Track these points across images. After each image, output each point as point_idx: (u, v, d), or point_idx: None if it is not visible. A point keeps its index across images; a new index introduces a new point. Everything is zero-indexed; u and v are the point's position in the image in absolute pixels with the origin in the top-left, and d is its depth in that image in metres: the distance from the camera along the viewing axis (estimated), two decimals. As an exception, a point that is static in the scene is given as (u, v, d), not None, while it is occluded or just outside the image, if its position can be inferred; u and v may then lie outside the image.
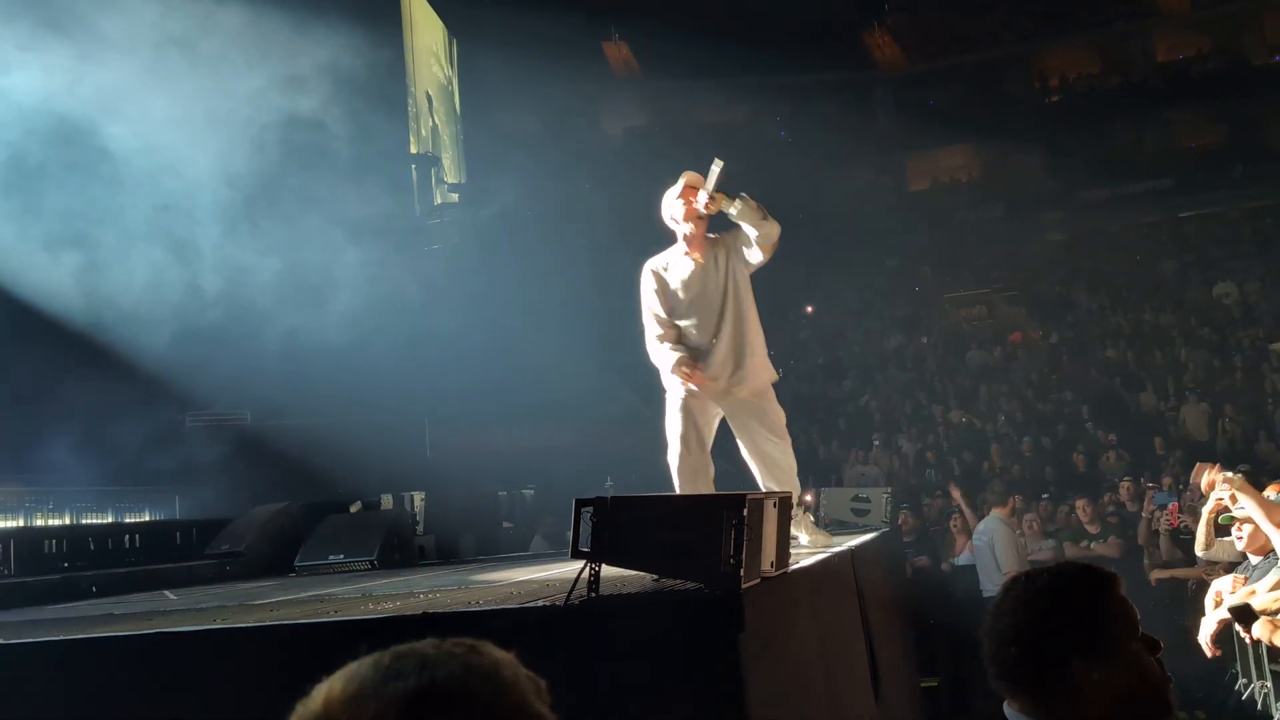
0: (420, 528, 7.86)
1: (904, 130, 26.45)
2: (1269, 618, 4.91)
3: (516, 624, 2.84)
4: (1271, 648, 4.97)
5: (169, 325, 9.63)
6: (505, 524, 10.53)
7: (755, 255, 4.92)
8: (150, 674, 3.01)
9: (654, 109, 27.18)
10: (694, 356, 4.98)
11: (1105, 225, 23.74)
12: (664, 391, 5.13)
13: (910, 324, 21.22)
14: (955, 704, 8.20)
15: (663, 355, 5.03)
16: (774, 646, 3.01)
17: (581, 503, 2.87)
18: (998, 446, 14.09)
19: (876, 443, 14.82)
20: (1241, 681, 5.83)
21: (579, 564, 2.85)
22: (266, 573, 6.86)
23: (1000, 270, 23.12)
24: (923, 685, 7.58)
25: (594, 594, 2.78)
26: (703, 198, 4.87)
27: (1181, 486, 9.60)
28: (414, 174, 18.75)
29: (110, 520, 9.89)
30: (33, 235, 9.04)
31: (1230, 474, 5.17)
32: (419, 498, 8.02)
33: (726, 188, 4.88)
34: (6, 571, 6.08)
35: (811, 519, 5.50)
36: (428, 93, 21.01)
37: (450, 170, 21.74)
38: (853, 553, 4.96)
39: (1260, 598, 5.03)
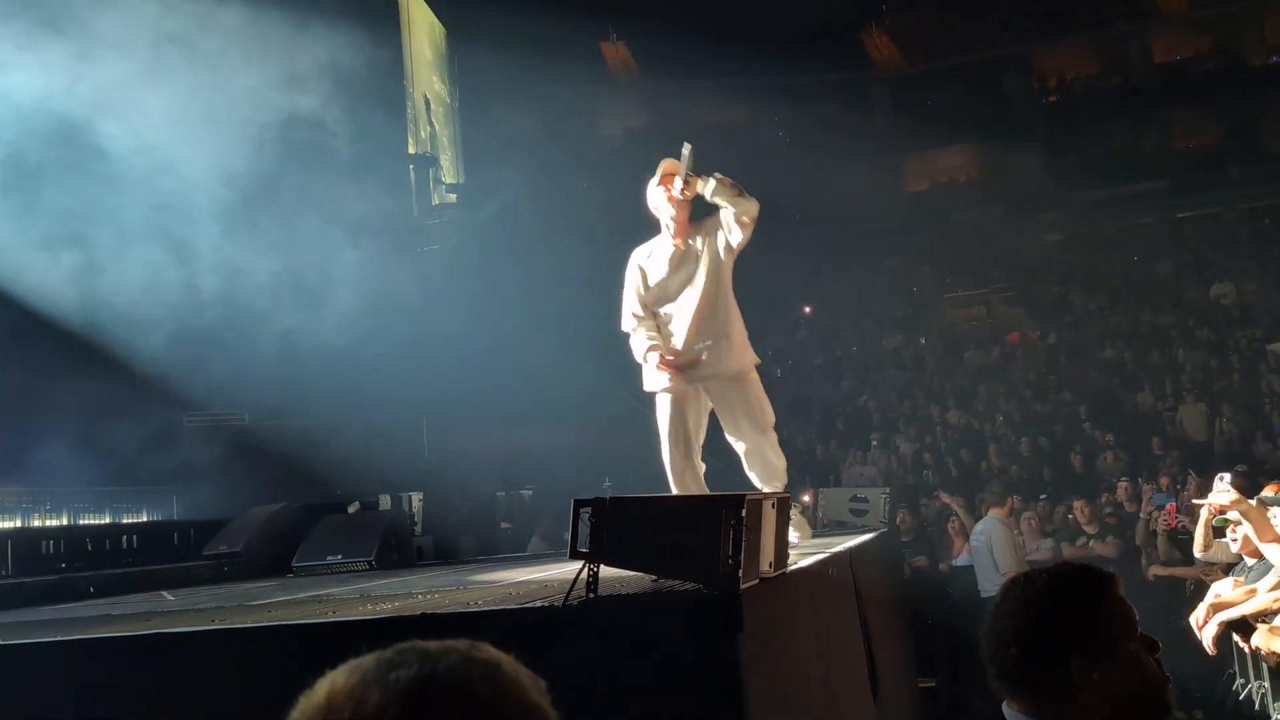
0: (418, 528, 7.85)
1: (902, 130, 26.45)
2: (1270, 626, 4.92)
3: (515, 624, 2.84)
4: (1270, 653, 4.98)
5: (166, 325, 9.62)
6: (503, 524, 10.52)
7: (736, 234, 4.89)
8: (149, 675, 3.01)
9: (652, 109, 27.17)
10: (671, 340, 4.97)
11: (1103, 225, 23.75)
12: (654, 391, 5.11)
13: (908, 324, 21.22)
14: (953, 704, 8.21)
15: (636, 344, 5.04)
16: (772, 647, 3.01)
17: (580, 503, 2.87)
18: (995, 447, 14.10)
19: (875, 443, 14.82)
20: (1239, 682, 5.84)
21: (577, 564, 2.85)
22: (264, 573, 6.85)
23: (998, 270, 23.13)
24: (921, 685, 7.58)
25: (592, 594, 2.78)
26: (678, 184, 4.89)
27: (1179, 487, 9.61)
28: (412, 174, 18.75)
29: (108, 521, 9.88)
30: (30, 235, 9.03)
31: (1231, 496, 5.15)
32: (417, 498, 8.00)
33: (709, 171, 4.91)
34: (4, 572, 6.07)
35: (798, 509, 5.47)
36: (425, 94, 21.01)
37: (448, 171, 21.74)
38: (851, 553, 4.96)
39: (1260, 598, 5.04)
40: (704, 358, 4.93)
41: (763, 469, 5.12)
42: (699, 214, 5.07)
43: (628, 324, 5.11)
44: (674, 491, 5.00)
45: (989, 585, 8.23)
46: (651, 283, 5.03)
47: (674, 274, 4.97)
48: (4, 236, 8.94)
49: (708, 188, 4.83)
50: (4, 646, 3.20)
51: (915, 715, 6.87)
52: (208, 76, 9.84)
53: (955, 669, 8.24)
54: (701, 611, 2.69)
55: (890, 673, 5.33)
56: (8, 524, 8.80)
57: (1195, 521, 6.74)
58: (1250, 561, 5.36)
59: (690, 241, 4.98)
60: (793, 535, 5.10)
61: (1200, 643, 5.28)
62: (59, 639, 3.27)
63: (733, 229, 4.86)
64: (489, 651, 0.94)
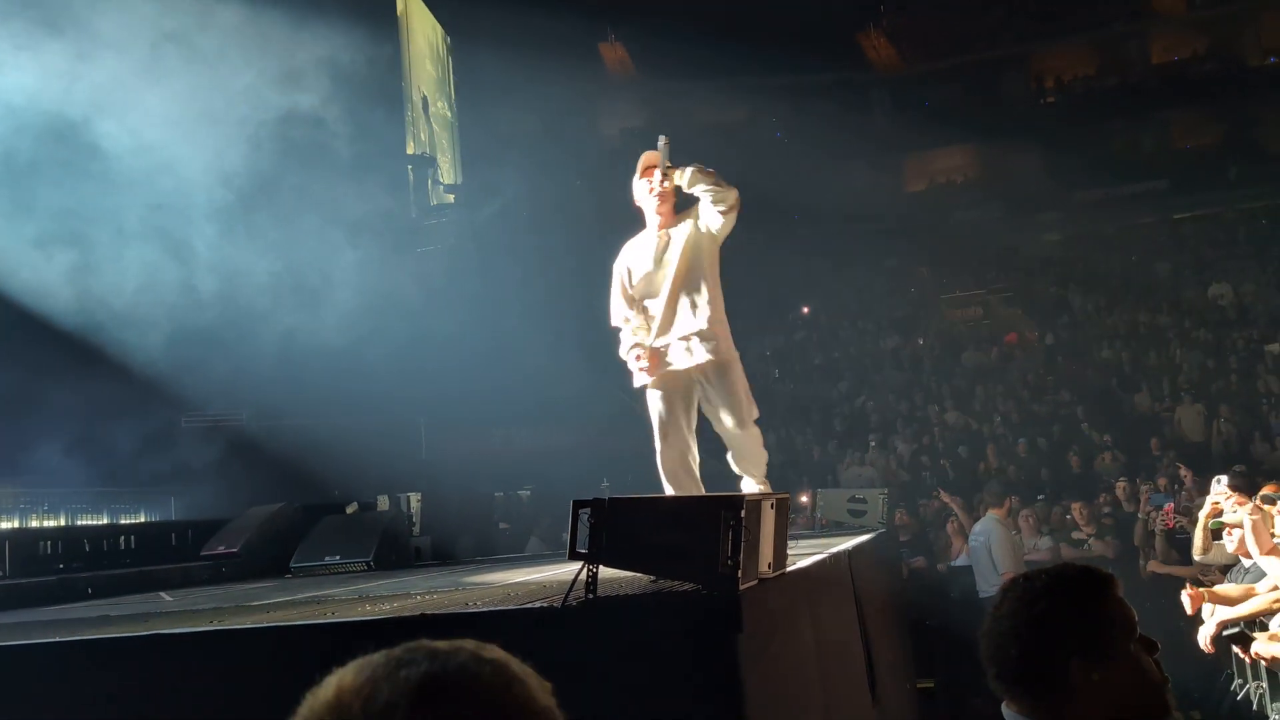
0: (416, 529, 7.85)
1: (901, 131, 26.47)
2: (1270, 634, 4.93)
3: (514, 625, 2.84)
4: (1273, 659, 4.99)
5: (164, 325, 9.61)
6: (501, 525, 10.52)
7: (715, 220, 4.87)
8: (147, 676, 3.01)
9: (650, 110, 27.18)
10: (654, 331, 4.97)
11: (1102, 226, 23.77)
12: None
13: (907, 324, 21.24)
14: (952, 705, 8.21)
15: (622, 341, 5.06)
16: (771, 648, 3.00)
17: (579, 504, 2.87)
18: (993, 447, 14.11)
19: (873, 443, 14.82)
20: (1237, 682, 5.85)
21: (576, 565, 2.85)
22: (262, 574, 6.85)
23: (996, 271, 23.15)
24: (919, 686, 7.58)
25: (591, 595, 2.78)
26: (658, 176, 4.92)
27: (1177, 487, 9.62)
28: (410, 175, 18.75)
29: (106, 522, 9.87)
30: (28, 235, 9.02)
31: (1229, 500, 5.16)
32: (415, 499, 8.00)
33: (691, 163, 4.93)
34: (2, 573, 6.07)
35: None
36: (424, 94, 21.01)
37: (446, 171, 21.74)
38: (849, 554, 4.96)
39: (1258, 599, 5.04)
40: (685, 348, 4.92)
41: (742, 461, 5.08)
42: (684, 206, 5.07)
43: (616, 320, 5.12)
44: (667, 487, 4.98)
45: (987, 586, 8.24)
46: (637, 277, 5.03)
47: (658, 266, 4.97)
48: (2, 236, 8.93)
49: (684, 178, 4.85)
50: (2, 648, 3.19)
51: (914, 716, 6.87)
52: (206, 76, 9.83)
53: (954, 670, 8.24)
54: (700, 612, 2.69)
55: (889, 673, 5.33)
56: (6, 525, 8.79)
57: (1193, 522, 6.75)
58: (1247, 563, 5.36)
59: (674, 233, 4.98)
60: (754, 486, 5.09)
61: (1199, 643, 5.29)
62: (57, 640, 3.27)
63: (712, 216, 4.86)
64: (497, 652, 0.94)
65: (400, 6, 19.97)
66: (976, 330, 20.73)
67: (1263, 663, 5.20)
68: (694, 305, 4.91)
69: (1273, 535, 4.98)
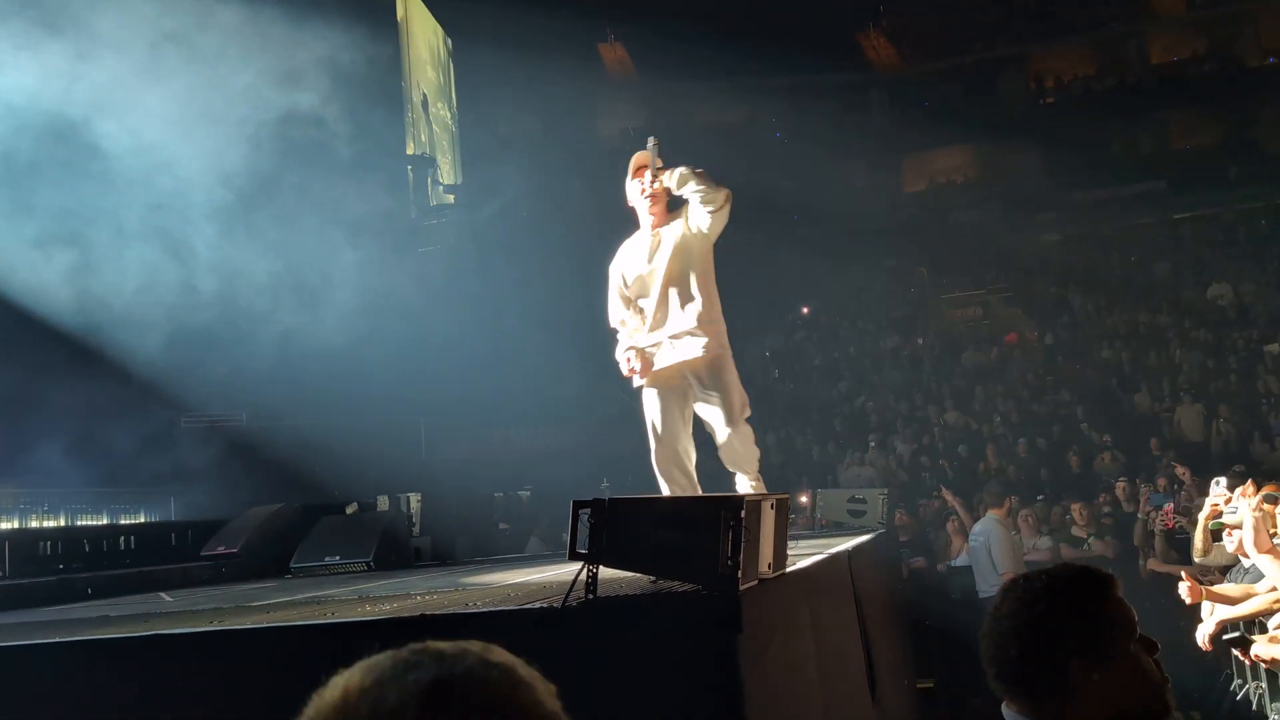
0: (416, 529, 7.84)
1: (900, 131, 26.48)
2: (1269, 636, 4.93)
3: (514, 625, 2.84)
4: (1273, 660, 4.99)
5: (164, 326, 9.61)
6: (501, 525, 10.52)
7: (704, 220, 4.87)
8: (147, 677, 3.01)
9: (650, 110, 27.18)
10: (645, 330, 4.98)
11: (1101, 226, 23.77)
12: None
13: (906, 325, 21.24)
14: (952, 705, 8.21)
15: (618, 343, 5.08)
16: (771, 648, 3.00)
17: (579, 504, 2.87)
18: (993, 447, 14.11)
19: (872, 444, 14.82)
20: (1236, 683, 5.85)
21: (575, 565, 2.85)
22: (262, 574, 6.85)
23: (996, 271, 23.15)
24: (919, 686, 7.58)
25: (591, 595, 2.78)
26: (648, 177, 4.94)
27: (1176, 487, 9.63)
28: (410, 175, 18.76)
29: (105, 522, 9.86)
30: (27, 235, 9.02)
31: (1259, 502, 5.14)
32: (415, 499, 8.00)
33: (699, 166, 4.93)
34: (2, 573, 6.07)
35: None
36: (424, 94, 21.01)
37: (446, 172, 21.74)
38: (849, 554, 4.96)
39: (1257, 600, 5.04)
40: (674, 347, 4.92)
41: (733, 459, 5.06)
42: (677, 206, 5.08)
43: (613, 321, 5.15)
44: (662, 486, 5.00)
45: (987, 586, 8.24)
46: (631, 277, 5.06)
47: (650, 266, 4.99)
48: (1, 236, 8.93)
49: (673, 179, 4.87)
50: (2, 648, 3.19)
51: (913, 716, 6.87)
52: (205, 75, 9.83)
53: (953, 670, 8.24)
54: (700, 612, 2.69)
55: (889, 673, 5.33)
56: (5, 525, 8.79)
57: (1192, 522, 6.75)
58: (1247, 563, 5.36)
59: (665, 233, 5.00)
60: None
61: (1197, 641, 5.30)
62: (57, 640, 3.27)
63: (701, 217, 4.87)
64: (504, 655, 0.94)
65: (400, 7, 19.98)
66: (976, 330, 20.74)
67: (1262, 664, 5.21)
68: (684, 304, 4.92)
69: (1272, 535, 4.98)
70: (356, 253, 10.96)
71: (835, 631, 4.18)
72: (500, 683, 0.91)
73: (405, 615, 3.12)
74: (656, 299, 4.95)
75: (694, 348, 4.87)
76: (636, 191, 5.06)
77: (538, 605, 2.90)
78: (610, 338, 5.23)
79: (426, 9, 21.93)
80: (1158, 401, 15.11)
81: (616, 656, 2.66)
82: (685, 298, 4.92)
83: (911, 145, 27.07)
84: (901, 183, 28.38)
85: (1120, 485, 10.36)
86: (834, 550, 4.81)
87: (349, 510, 8.01)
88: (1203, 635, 5.27)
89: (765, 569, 3.12)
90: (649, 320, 4.97)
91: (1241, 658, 5.25)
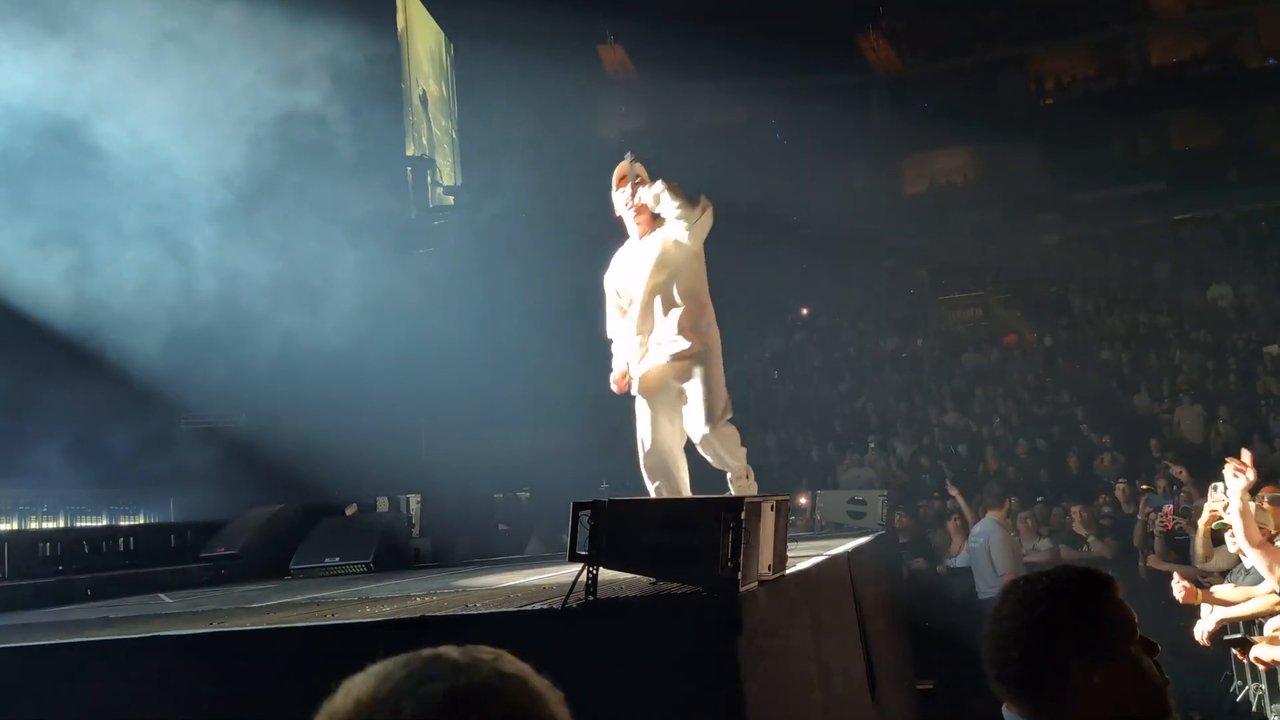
0: (416, 530, 7.84)
1: (899, 132, 26.47)
2: (1268, 636, 4.92)
3: (515, 627, 2.84)
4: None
5: (164, 327, 9.60)
6: (501, 527, 10.52)
7: (681, 232, 4.91)
8: (147, 677, 3.01)
9: (650, 111, 27.19)
10: (634, 337, 5.01)
11: (1101, 227, 23.77)
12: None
13: (906, 326, 21.23)
14: (952, 706, 8.20)
15: (613, 355, 5.09)
16: (771, 649, 3.00)
17: (579, 505, 2.87)
18: (993, 449, 14.10)
19: (872, 445, 14.82)
20: (1236, 684, 5.85)
21: (575, 567, 2.85)
22: (262, 575, 6.85)
23: (996, 272, 23.14)
24: (919, 688, 7.58)
25: (592, 597, 2.78)
26: (628, 189, 4.98)
27: (1175, 488, 9.62)
28: (409, 176, 18.76)
29: (105, 523, 9.86)
30: (27, 235, 9.01)
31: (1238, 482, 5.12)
32: (414, 500, 8.00)
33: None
34: (1, 574, 6.06)
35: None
36: (424, 95, 21.01)
37: (446, 173, 21.74)
38: (849, 555, 4.97)
39: (1256, 601, 5.04)
40: (658, 353, 4.95)
41: (718, 461, 5.03)
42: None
43: (610, 333, 5.19)
44: (650, 488, 5.01)
45: (987, 587, 8.24)
46: (622, 287, 5.10)
47: (636, 274, 5.03)
48: (2, 237, 8.92)
49: (650, 197, 4.90)
50: (2, 649, 3.19)
51: (913, 717, 6.87)
52: (205, 75, 9.82)
53: (953, 671, 8.23)
54: (701, 614, 2.70)
55: (888, 675, 5.33)
56: (5, 526, 8.78)
57: (1192, 524, 6.75)
58: (1247, 564, 5.36)
59: (651, 241, 5.03)
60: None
61: (1199, 646, 5.29)
62: (57, 642, 3.27)
63: (679, 232, 4.90)
64: (516, 664, 0.94)
65: (400, 9, 19.98)
66: (976, 332, 20.73)
67: (1261, 666, 5.21)
68: (667, 311, 4.96)
69: (1274, 537, 4.98)
70: (356, 254, 10.96)
71: (835, 633, 4.18)
72: (515, 694, 0.91)
73: (406, 617, 3.12)
74: (641, 308, 5.00)
75: (674, 351, 4.91)
76: (621, 203, 5.09)
77: (538, 607, 2.90)
78: (608, 344, 5.26)
79: (427, 11, 21.94)
80: (1157, 403, 15.10)
81: (617, 658, 2.66)
82: (669, 305, 4.96)
83: (911, 146, 27.06)
84: (901, 184, 28.37)
85: (1120, 487, 10.36)
86: (834, 552, 4.81)
87: (349, 512, 8.01)
88: (1202, 632, 5.26)
89: (765, 570, 3.12)
90: (636, 328, 5.01)
91: (1241, 659, 5.25)
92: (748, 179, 19.72)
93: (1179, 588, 5.28)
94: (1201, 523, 5.93)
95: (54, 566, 6.40)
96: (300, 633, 3.15)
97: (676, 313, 4.94)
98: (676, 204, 4.85)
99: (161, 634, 3.23)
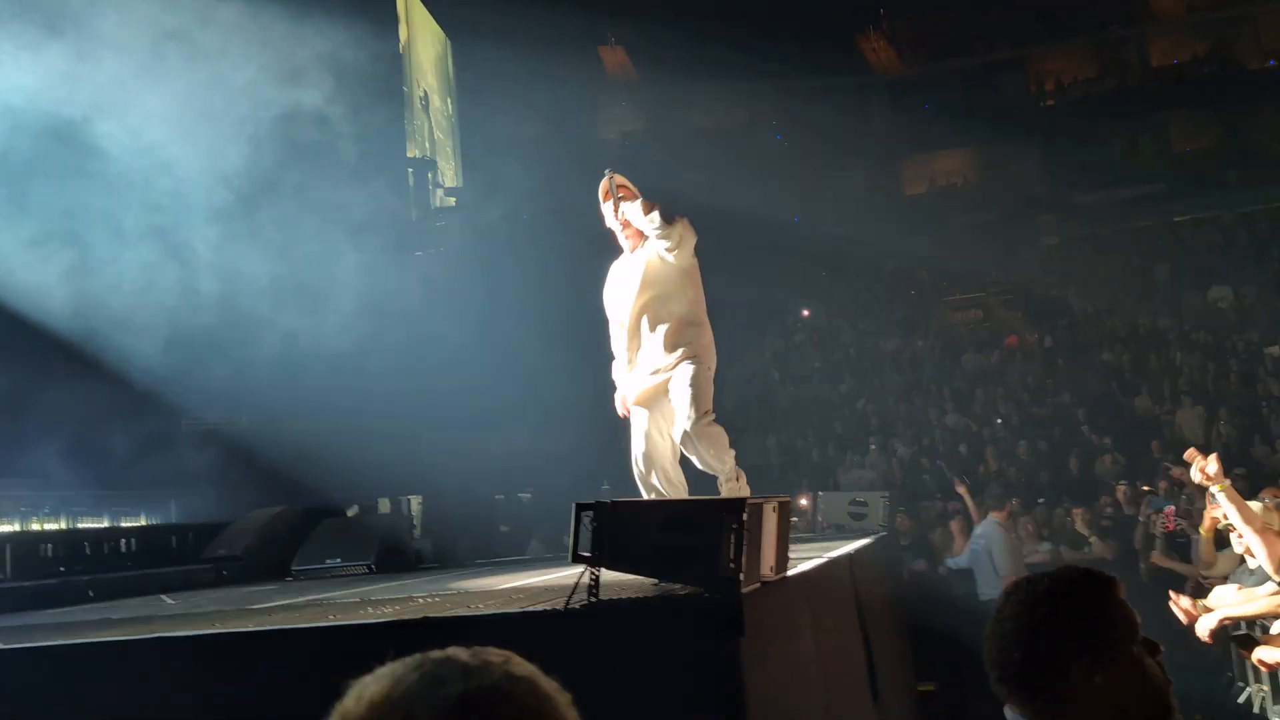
0: (417, 531, 7.85)
1: (900, 134, 26.49)
2: (1273, 635, 4.92)
3: (517, 628, 2.84)
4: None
5: (165, 328, 9.60)
6: (502, 528, 10.52)
7: (661, 247, 4.91)
8: (150, 679, 3.01)
9: (650, 113, 27.20)
10: (628, 351, 5.02)
11: (1101, 229, 23.78)
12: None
13: (907, 327, 21.24)
14: (953, 708, 8.20)
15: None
16: (774, 650, 3.01)
17: (581, 507, 2.87)
18: (993, 450, 14.10)
19: (873, 446, 14.82)
20: (1238, 685, 5.84)
21: (577, 569, 2.85)
22: (263, 577, 6.85)
23: (996, 274, 23.15)
24: (920, 689, 7.58)
25: (594, 598, 2.78)
26: (610, 206, 4.98)
27: (1177, 490, 9.62)
28: (410, 177, 18.76)
29: (106, 524, 9.86)
30: (26, 236, 9.01)
31: (1210, 472, 5.12)
32: (416, 502, 8.01)
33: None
34: (2, 575, 6.07)
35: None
36: (426, 97, 21.02)
37: (447, 174, 21.75)
38: (851, 557, 4.97)
39: (1260, 602, 5.03)
40: (647, 366, 4.97)
41: (701, 464, 4.95)
42: None
43: (613, 348, 5.20)
44: (642, 492, 5.02)
45: (988, 589, 8.24)
46: (617, 301, 5.11)
47: (627, 289, 5.05)
48: (2, 239, 8.92)
49: (632, 212, 4.91)
50: (3, 650, 3.19)
51: (914, 718, 6.87)
52: (205, 74, 9.81)
53: (954, 672, 8.23)
54: (703, 615, 2.70)
55: (890, 676, 5.33)
56: (7, 528, 8.79)
57: (1193, 525, 6.74)
58: (1252, 564, 5.35)
59: (639, 255, 5.05)
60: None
61: (1201, 647, 5.28)
62: (59, 643, 3.27)
63: (662, 250, 4.90)
64: (525, 666, 0.95)
65: (402, 10, 19.99)
66: (976, 333, 20.73)
67: (1263, 669, 5.20)
68: (655, 326, 4.96)
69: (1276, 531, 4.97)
70: (357, 255, 10.96)
71: (837, 634, 4.18)
72: (526, 697, 0.91)
73: (408, 618, 3.12)
74: (630, 329, 5.02)
75: (662, 361, 4.92)
76: (608, 218, 5.10)
77: (541, 608, 2.91)
78: (609, 350, 5.28)
79: (428, 12, 21.95)
80: (1158, 404, 15.10)
81: (620, 659, 2.66)
82: (657, 320, 4.96)
83: (912, 147, 27.08)
84: (902, 185, 28.38)
85: (1121, 488, 10.36)
86: (835, 553, 4.81)
87: (350, 513, 8.02)
88: (1204, 628, 5.25)
89: (767, 572, 3.12)
90: (627, 348, 5.03)
91: (1245, 657, 5.24)
92: (748, 180, 19.74)
93: (1181, 614, 5.25)
94: (1203, 529, 5.92)
95: (56, 568, 6.41)
96: (302, 634, 3.15)
97: (664, 327, 4.94)
98: (654, 227, 4.85)
99: (163, 635, 3.23)
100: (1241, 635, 5.12)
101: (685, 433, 4.81)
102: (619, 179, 5.07)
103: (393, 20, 19.05)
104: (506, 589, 4.28)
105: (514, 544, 9.80)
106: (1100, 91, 26.94)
